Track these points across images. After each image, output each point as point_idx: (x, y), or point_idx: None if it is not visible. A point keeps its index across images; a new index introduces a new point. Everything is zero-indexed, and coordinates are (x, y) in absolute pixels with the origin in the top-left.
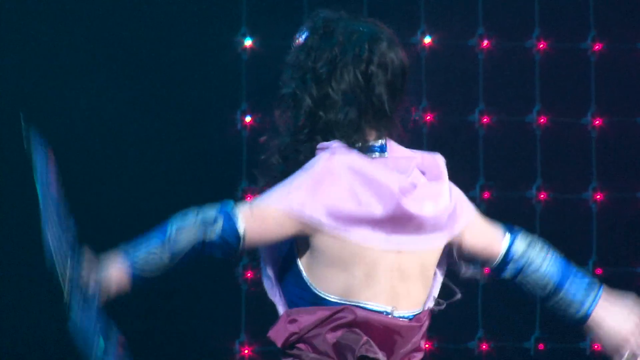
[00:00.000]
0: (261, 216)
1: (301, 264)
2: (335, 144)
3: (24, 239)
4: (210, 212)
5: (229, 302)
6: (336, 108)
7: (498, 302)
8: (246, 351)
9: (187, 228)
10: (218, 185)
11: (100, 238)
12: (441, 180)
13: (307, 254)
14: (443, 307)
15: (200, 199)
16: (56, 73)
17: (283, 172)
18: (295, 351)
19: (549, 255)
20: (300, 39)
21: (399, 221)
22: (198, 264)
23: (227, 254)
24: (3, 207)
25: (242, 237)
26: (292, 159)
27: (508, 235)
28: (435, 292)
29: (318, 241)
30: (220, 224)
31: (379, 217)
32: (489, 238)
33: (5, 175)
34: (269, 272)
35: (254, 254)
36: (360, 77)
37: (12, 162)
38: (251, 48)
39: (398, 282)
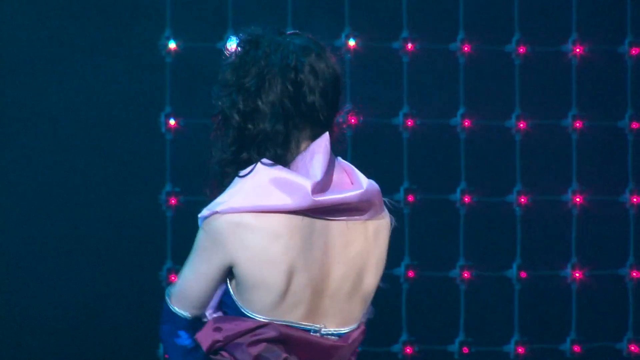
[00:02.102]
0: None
1: (230, 285)
2: (257, 166)
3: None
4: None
5: (153, 304)
6: (265, 120)
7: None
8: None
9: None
10: (142, 187)
11: (20, 234)
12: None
13: (234, 280)
14: (371, 315)
15: (124, 201)
16: None
17: (224, 187)
18: (218, 357)
19: None
20: (228, 55)
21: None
22: (120, 266)
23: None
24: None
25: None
26: (227, 176)
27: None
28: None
29: (237, 271)
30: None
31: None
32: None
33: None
34: None
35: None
36: (289, 86)
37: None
38: (175, 50)
39: (327, 299)
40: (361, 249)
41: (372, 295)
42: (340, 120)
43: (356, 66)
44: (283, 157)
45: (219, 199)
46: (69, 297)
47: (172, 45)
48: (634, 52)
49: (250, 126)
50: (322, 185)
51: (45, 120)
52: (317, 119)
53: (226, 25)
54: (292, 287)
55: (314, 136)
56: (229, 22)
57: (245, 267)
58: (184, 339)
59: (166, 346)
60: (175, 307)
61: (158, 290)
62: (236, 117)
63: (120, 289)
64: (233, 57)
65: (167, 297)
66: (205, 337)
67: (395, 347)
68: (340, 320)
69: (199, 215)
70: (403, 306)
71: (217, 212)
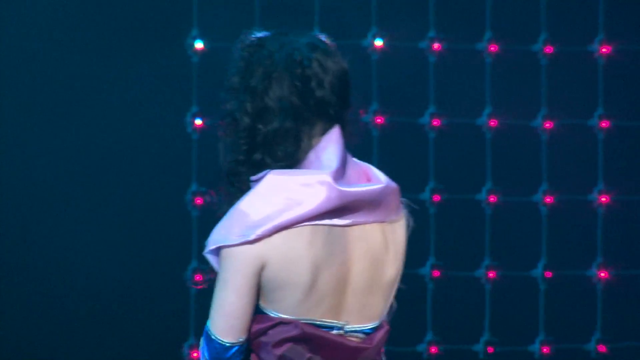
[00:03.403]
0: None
1: None
2: (267, 173)
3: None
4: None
5: (177, 304)
6: (274, 118)
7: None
8: (195, 354)
9: None
10: (168, 187)
11: (47, 233)
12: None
13: (261, 284)
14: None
15: (150, 201)
16: (9, 74)
17: (234, 195)
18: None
19: None
20: (235, 61)
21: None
22: (146, 266)
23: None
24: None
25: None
26: (239, 181)
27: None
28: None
29: (266, 271)
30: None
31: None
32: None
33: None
34: None
35: (204, 258)
36: (296, 82)
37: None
38: (202, 50)
39: (349, 296)
40: (379, 244)
41: (392, 290)
42: (357, 116)
43: (383, 66)
44: (295, 155)
45: (237, 227)
46: (95, 297)
47: (198, 45)
48: None
49: (260, 126)
50: (341, 175)
51: (73, 119)
52: (327, 113)
53: (253, 25)
54: (317, 283)
55: (325, 132)
56: (256, 21)
57: (274, 267)
58: None
59: None
60: (227, 340)
61: (183, 290)
62: (246, 119)
63: (146, 289)
64: (238, 60)
65: (212, 335)
66: None
67: (420, 347)
68: (362, 316)
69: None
70: (428, 306)
71: (248, 242)
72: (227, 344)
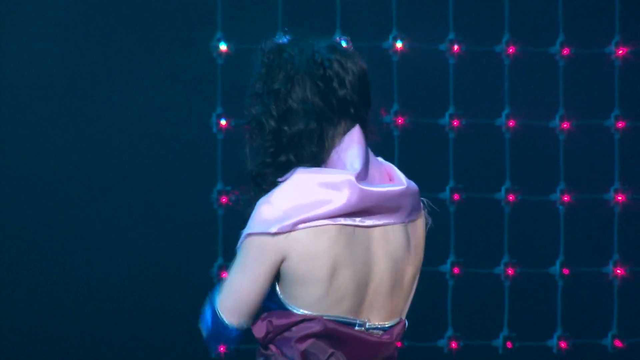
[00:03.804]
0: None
1: (276, 283)
2: (294, 173)
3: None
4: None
5: (204, 301)
6: (299, 120)
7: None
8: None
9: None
10: (194, 186)
11: (73, 231)
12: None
13: (281, 277)
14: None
15: (176, 200)
16: (36, 73)
17: (260, 196)
18: (268, 352)
19: None
20: (256, 68)
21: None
22: (172, 264)
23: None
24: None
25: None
26: (265, 183)
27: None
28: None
29: (286, 265)
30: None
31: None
32: None
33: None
34: None
35: (229, 255)
36: (319, 82)
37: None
38: (226, 52)
39: (370, 294)
40: (401, 245)
41: (412, 289)
42: (378, 116)
43: (403, 68)
44: (319, 155)
45: (265, 214)
46: (121, 295)
47: (223, 47)
48: None
49: (285, 128)
50: (364, 175)
51: (99, 119)
52: (349, 113)
53: (275, 28)
54: (337, 281)
55: (348, 131)
56: (278, 24)
57: (295, 261)
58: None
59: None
60: (230, 322)
61: (210, 288)
62: (271, 122)
63: (172, 287)
64: (259, 68)
65: (217, 313)
66: (259, 329)
67: (441, 342)
68: (383, 314)
69: (247, 233)
70: (448, 302)
71: (268, 233)
72: (230, 327)
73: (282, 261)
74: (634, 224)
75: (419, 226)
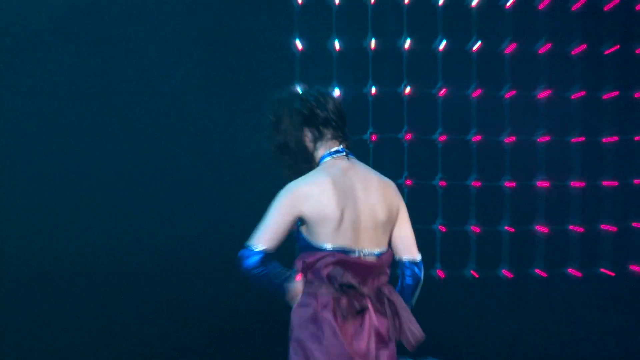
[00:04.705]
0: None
1: (302, 230)
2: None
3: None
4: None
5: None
6: (301, 143)
7: None
8: None
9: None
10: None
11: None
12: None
13: (305, 223)
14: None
15: (259, 193)
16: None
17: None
18: (308, 277)
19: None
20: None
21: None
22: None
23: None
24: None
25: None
26: (292, 174)
27: (420, 257)
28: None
29: (306, 210)
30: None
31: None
32: (406, 238)
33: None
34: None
35: None
36: (305, 111)
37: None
38: (302, 50)
39: (361, 231)
40: (376, 197)
41: (388, 229)
42: (353, 133)
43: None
44: (312, 159)
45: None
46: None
47: (299, 44)
48: None
49: (292, 145)
50: (345, 172)
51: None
52: (332, 126)
53: (330, 30)
54: (343, 220)
55: (333, 137)
56: (333, 28)
57: (312, 209)
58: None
59: (249, 276)
60: (256, 246)
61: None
62: (293, 146)
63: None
64: (271, 116)
65: (247, 245)
66: (298, 265)
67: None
68: (372, 244)
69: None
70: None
71: (294, 187)
72: (254, 250)
73: (302, 207)
74: None
75: (389, 188)
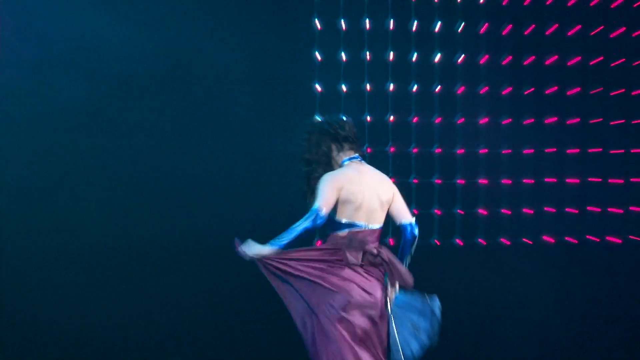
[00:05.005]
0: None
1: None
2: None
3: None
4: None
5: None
6: (324, 157)
7: None
8: None
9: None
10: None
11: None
12: (380, 175)
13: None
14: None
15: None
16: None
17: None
18: (334, 236)
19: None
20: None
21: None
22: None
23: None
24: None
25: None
26: (312, 180)
27: (414, 219)
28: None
29: (342, 190)
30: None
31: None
32: (401, 209)
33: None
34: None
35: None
36: (331, 130)
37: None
38: (321, 61)
39: (370, 210)
40: (379, 186)
41: (385, 206)
42: (364, 145)
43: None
44: (333, 166)
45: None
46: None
47: (319, 55)
48: None
49: (320, 155)
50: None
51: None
52: (349, 140)
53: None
54: (361, 202)
55: (350, 148)
56: (340, 39)
57: (346, 191)
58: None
59: (295, 235)
60: (320, 210)
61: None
62: (320, 156)
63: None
64: (305, 140)
65: (314, 208)
66: (329, 230)
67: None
68: (374, 220)
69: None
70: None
71: (334, 175)
72: (319, 213)
73: (341, 188)
74: None
75: (386, 180)
